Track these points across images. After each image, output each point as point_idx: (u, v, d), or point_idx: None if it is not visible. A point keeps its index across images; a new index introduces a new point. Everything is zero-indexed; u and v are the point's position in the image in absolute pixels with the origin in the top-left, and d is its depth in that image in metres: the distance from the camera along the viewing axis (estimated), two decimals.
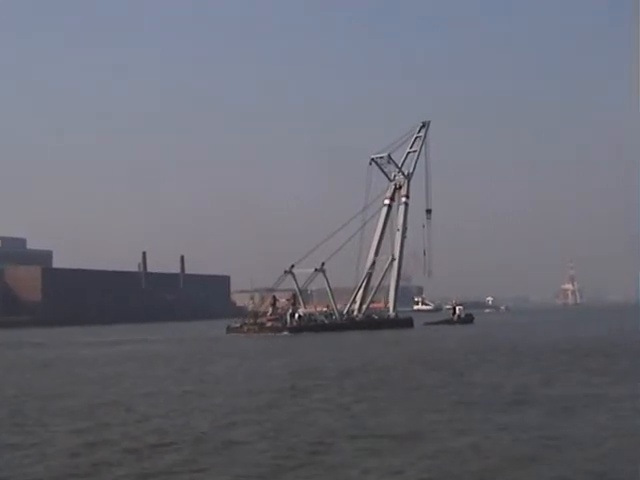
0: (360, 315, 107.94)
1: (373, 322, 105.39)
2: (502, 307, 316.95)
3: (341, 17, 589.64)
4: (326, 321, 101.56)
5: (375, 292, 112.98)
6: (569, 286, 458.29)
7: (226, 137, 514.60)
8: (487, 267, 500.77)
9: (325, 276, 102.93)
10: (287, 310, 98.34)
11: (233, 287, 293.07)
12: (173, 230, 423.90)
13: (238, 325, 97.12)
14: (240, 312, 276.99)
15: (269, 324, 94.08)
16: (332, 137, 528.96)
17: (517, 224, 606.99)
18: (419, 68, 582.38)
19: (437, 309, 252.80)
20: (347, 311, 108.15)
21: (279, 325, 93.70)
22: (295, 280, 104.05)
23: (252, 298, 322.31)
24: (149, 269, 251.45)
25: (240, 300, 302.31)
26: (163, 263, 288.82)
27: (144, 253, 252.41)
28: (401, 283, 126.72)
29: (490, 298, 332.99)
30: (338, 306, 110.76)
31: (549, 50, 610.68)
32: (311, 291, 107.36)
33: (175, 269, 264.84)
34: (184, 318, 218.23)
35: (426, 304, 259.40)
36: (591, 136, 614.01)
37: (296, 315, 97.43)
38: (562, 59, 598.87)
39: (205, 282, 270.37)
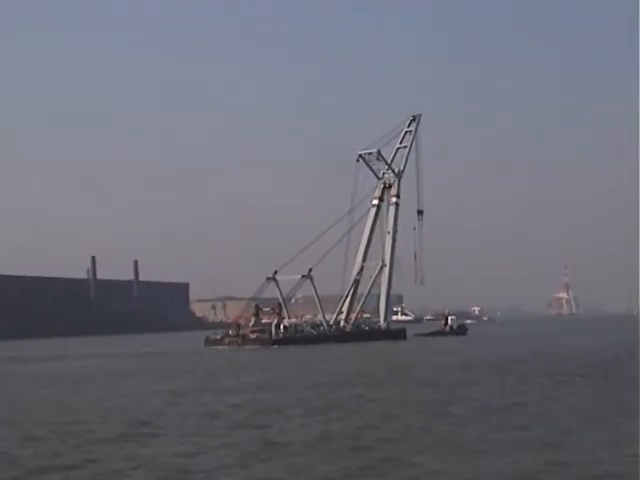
0: (349, 326, 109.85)
1: (364, 333, 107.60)
2: (485, 317, 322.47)
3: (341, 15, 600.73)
4: (314, 332, 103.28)
5: (364, 301, 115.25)
6: (563, 295, 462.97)
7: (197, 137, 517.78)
8: (475, 274, 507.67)
9: (312, 283, 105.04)
10: (272, 321, 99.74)
11: (192, 295, 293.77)
12: (126, 233, 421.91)
13: (218, 337, 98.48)
14: (200, 323, 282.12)
15: (253, 336, 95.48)
16: (326, 136, 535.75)
17: (508, 228, 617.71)
18: (416, 62, 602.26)
19: (417, 320, 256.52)
20: (334, 321, 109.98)
21: (265, 337, 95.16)
22: (279, 288, 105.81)
23: (213, 308, 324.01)
24: (99, 276, 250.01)
25: (200, 310, 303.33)
26: (115, 269, 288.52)
27: (93, 258, 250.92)
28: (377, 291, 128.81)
29: (477, 308, 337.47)
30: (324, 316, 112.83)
31: (549, 49, 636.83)
32: (296, 299, 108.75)
33: (128, 276, 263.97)
34: (138, 330, 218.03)
35: (406, 314, 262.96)
36: (591, 137, 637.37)
37: (281, 326, 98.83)
38: (562, 59, 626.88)
39: (162, 290, 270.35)
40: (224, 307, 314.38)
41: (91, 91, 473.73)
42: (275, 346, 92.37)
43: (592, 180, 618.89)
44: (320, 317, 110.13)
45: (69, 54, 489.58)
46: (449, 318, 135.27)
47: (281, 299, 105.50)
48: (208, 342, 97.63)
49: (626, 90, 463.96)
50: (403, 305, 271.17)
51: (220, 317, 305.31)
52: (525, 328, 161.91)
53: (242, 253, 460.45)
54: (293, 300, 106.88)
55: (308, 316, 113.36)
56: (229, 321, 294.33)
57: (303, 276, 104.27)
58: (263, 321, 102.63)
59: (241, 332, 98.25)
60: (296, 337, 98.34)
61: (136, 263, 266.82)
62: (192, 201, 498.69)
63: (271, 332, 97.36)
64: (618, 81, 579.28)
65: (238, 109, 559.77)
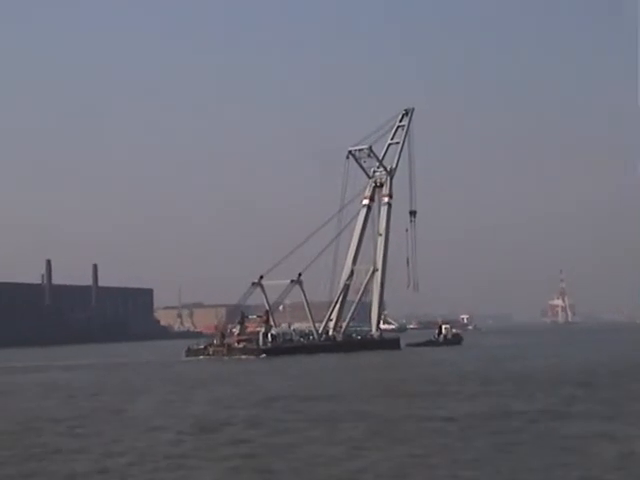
0: (340, 335, 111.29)
1: (356, 343, 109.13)
2: (470, 326, 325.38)
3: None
4: (303, 341, 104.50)
5: (356, 308, 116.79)
6: (559, 302, 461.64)
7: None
8: (462, 279, 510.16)
9: (302, 289, 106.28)
10: (259, 329, 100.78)
11: (157, 302, 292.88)
12: (84, 234, 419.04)
13: (201, 347, 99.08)
14: (165, 332, 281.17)
15: (240, 345, 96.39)
16: (321, 133, 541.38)
17: (498, 230, 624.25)
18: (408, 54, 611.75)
19: (401, 329, 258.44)
20: (323, 329, 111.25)
21: (253, 347, 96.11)
22: (264, 293, 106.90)
23: (179, 316, 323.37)
24: (54, 281, 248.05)
25: (165, 318, 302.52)
26: (72, 274, 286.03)
27: (48, 261, 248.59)
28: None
29: (465, 316, 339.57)
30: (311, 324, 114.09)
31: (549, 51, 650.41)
32: (284, 306, 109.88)
33: (86, 281, 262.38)
34: (97, 340, 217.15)
35: (388, 322, 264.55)
36: (590, 132, 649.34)
37: (269, 335, 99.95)
38: (562, 58, 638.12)
39: (123, 296, 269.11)
40: (191, 315, 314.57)
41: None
42: (263, 356, 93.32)
43: (590, 178, 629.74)
44: (310, 325, 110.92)
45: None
46: (443, 327, 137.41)
47: (267, 305, 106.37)
48: (190, 352, 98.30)
49: (628, 91, 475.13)
50: (386, 313, 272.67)
51: (187, 326, 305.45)
52: (519, 338, 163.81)
53: (213, 257, 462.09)
54: (281, 307, 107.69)
55: (296, 324, 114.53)
56: (197, 330, 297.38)
57: (292, 281, 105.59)
58: (248, 330, 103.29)
59: (226, 341, 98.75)
60: (285, 347, 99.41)
61: (95, 267, 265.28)
62: (158, 200, 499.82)
63: (259, 341, 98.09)
64: (620, 79, 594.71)
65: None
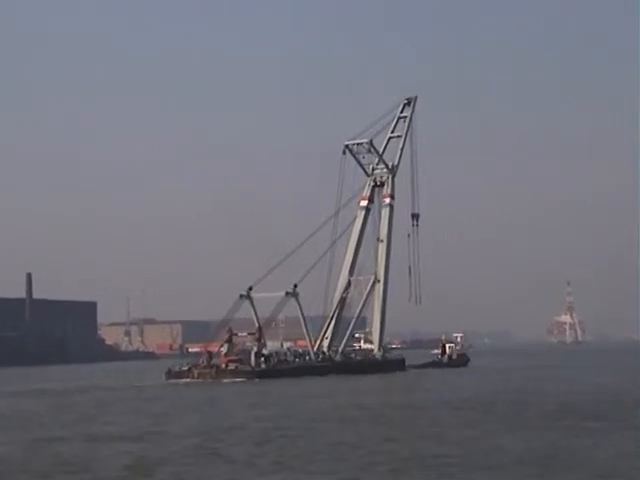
0: (339, 355, 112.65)
1: (356, 365, 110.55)
2: (458, 346, 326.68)
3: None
4: (299, 362, 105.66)
5: (355, 324, 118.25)
6: (566, 318, 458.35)
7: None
8: (455, 291, 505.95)
9: (298, 302, 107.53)
10: (250, 348, 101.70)
11: (102, 318, 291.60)
12: (17, 240, 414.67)
13: (185, 368, 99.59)
14: (111, 353, 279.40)
15: (231, 367, 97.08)
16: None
17: (498, 235, 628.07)
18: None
19: (385, 349, 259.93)
20: (318, 348, 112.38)
21: (246, 368, 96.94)
22: (253, 307, 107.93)
23: (128, 333, 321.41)
24: None
25: (111, 336, 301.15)
26: (1, 284, 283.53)
27: None
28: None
29: (459, 334, 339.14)
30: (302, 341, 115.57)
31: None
32: (276, 322, 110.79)
33: (19, 293, 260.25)
34: (31, 361, 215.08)
35: (370, 341, 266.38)
36: (596, 131, 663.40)
37: (262, 355, 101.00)
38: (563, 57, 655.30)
39: (62, 311, 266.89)
40: (141, 333, 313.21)
41: None
42: (256, 379, 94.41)
43: (597, 178, 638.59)
44: (307, 343, 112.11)
45: None
46: (447, 346, 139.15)
47: (256, 320, 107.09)
48: (171, 375, 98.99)
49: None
50: (367, 330, 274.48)
51: (136, 345, 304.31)
52: (520, 361, 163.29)
53: (168, 265, 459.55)
54: (273, 323, 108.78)
55: (289, 343, 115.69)
56: (149, 350, 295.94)
57: (287, 293, 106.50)
58: (236, 348, 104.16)
59: (213, 362, 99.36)
60: (281, 369, 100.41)
61: (29, 277, 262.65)
62: (106, 199, 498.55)
63: (250, 362, 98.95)
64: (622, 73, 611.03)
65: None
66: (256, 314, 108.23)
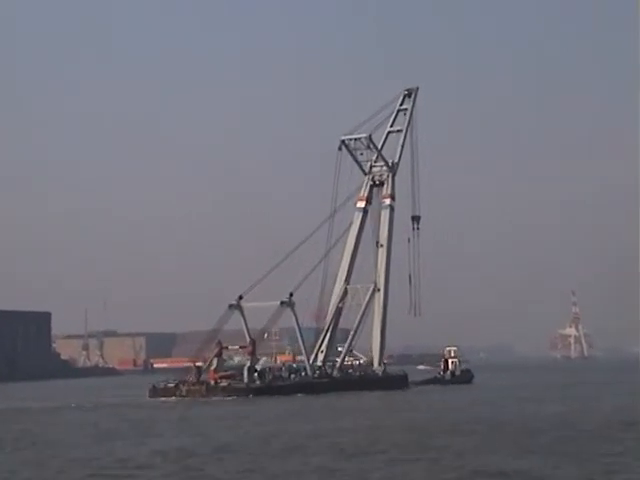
0: (336, 371, 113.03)
1: (355, 381, 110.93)
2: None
3: None
4: (294, 378, 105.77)
5: (354, 337, 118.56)
6: (571, 331, 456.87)
7: None
8: (451, 303, 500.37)
9: (294, 312, 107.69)
10: (243, 362, 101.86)
11: (56, 329, 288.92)
12: None
13: (172, 385, 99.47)
14: (67, 368, 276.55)
15: (223, 383, 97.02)
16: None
17: (498, 241, 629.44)
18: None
19: (370, 364, 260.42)
20: (312, 362, 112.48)
21: (240, 385, 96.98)
22: (244, 318, 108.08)
23: (86, 347, 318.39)
24: None
25: (67, 350, 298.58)
26: None
27: None
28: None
29: (453, 348, 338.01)
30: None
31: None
32: (268, 334, 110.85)
33: None
34: None
35: (354, 356, 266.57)
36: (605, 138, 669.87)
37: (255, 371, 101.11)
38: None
39: (11, 322, 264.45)
40: (101, 346, 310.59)
41: None
42: (250, 396, 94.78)
43: (606, 176, 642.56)
44: (303, 358, 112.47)
45: None
46: (450, 361, 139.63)
47: (246, 332, 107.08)
48: (156, 392, 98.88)
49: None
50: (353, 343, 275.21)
51: (96, 360, 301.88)
52: (524, 378, 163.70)
53: (132, 270, 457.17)
54: (265, 335, 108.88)
55: (264, 358, 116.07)
56: (109, 365, 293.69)
57: (282, 303, 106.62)
58: (225, 363, 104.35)
59: (202, 378, 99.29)
60: (277, 386, 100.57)
61: None
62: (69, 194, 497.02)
63: (243, 378, 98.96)
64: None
65: None
66: (247, 325, 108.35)
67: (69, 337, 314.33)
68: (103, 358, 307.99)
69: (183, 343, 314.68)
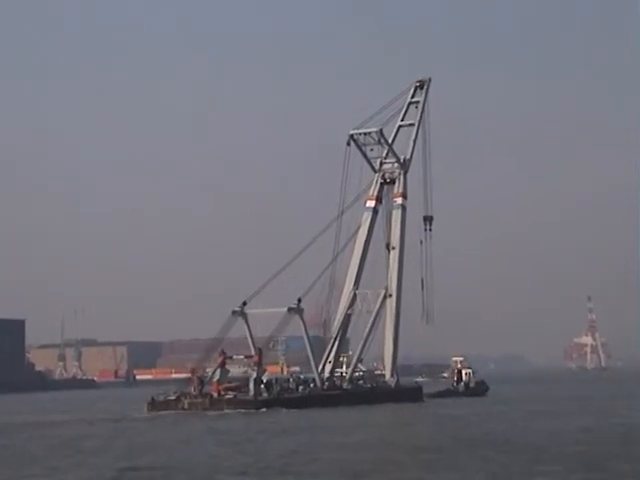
0: (347, 383, 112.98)
1: (367, 393, 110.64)
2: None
3: None
4: (303, 389, 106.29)
5: (364, 346, 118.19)
6: (587, 339, 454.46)
7: None
8: (461, 310, 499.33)
9: (302, 319, 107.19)
10: (249, 374, 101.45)
11: (30, 339, 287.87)
12: None
13: (172, 397, 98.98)
14: (42, 381, 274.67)
15: (229, 396, 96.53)
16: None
17: (509, 246, 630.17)
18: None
19: (371, 375, 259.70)
20: (319, 373, 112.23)
21: (247, 398, 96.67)
22: (248, 325, 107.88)
23: (63, 357, 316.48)
24: None
25: (42, 360, 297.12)
26: None
27: None
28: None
29: (459, 358, 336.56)
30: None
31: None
32: (274, 343, 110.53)
33: None
34: None
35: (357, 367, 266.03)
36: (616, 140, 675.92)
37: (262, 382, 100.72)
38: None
39: None
40: (79, 357, 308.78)
41: None
42: (263, 409, 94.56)
43: (620, 175, 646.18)
44: (297, 369, 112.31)
45: None
46: (464, 372, 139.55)
47: (250, 341, 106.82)
48: (155, 406, 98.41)
49: None
50: (350, 353, 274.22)
51: (73, 371, 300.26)
52: (541, 390, 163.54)
53: (115, 274, 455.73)
54: (271, 344, 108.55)
55: (295, 368, 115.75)
56: (88, 377, 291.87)
57: (290, 309, 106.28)
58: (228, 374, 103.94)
59: (205, 390, 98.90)
60: (285, 398, 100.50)
61: None
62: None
63: (249, 391, 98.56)
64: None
65: None
66: (251, 334, 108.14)
67: (44, 346, 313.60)
68: (81, 369, 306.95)
69: (169, 353, 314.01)
